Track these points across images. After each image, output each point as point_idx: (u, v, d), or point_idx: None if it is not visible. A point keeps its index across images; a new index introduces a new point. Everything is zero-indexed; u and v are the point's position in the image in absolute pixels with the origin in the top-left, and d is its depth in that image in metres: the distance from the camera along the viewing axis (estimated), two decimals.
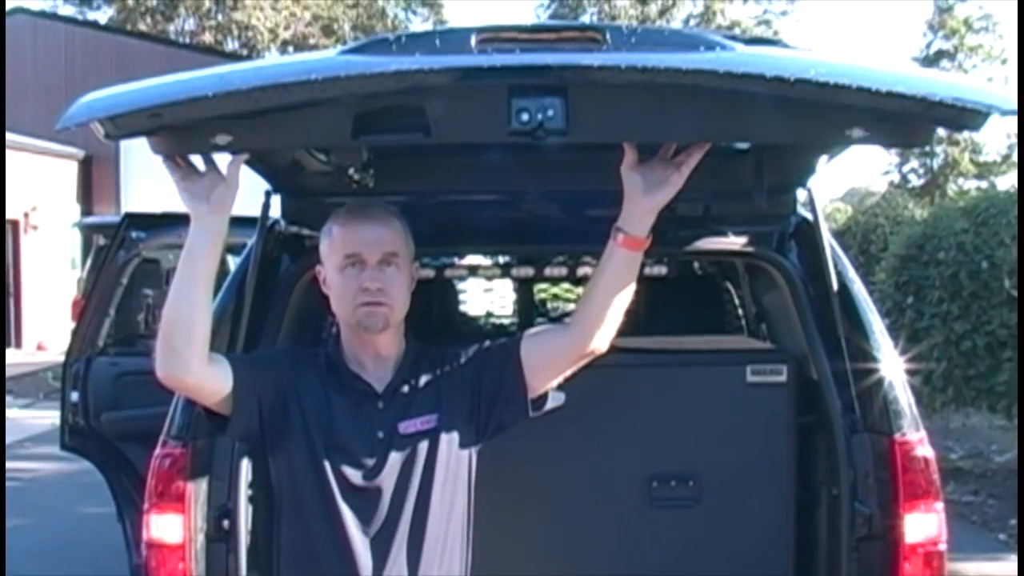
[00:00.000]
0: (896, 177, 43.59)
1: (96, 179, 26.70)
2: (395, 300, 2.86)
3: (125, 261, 5.92)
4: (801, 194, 3.76)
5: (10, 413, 14.12)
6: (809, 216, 3.68)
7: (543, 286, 5.95)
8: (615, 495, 3.60)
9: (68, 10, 39.56)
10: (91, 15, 40.24)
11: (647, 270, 4.23)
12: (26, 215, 23.86)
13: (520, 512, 3.55)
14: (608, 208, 3.80)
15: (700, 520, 3.59)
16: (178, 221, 6.29)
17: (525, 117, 2.47)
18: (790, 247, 3.73)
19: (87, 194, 26.62)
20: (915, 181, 43.00)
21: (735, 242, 3.71)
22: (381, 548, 2.82)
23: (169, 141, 2.62)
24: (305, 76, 2.39)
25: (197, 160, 2.71)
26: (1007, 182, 35.66)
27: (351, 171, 3.51)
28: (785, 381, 3.58)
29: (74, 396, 5.77)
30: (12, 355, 21.34)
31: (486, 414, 2.94)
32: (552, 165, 3.62)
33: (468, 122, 2.60)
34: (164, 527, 3.34)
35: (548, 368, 2.95)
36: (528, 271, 4.43)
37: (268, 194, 3.59)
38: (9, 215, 23.23)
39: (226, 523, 3.30)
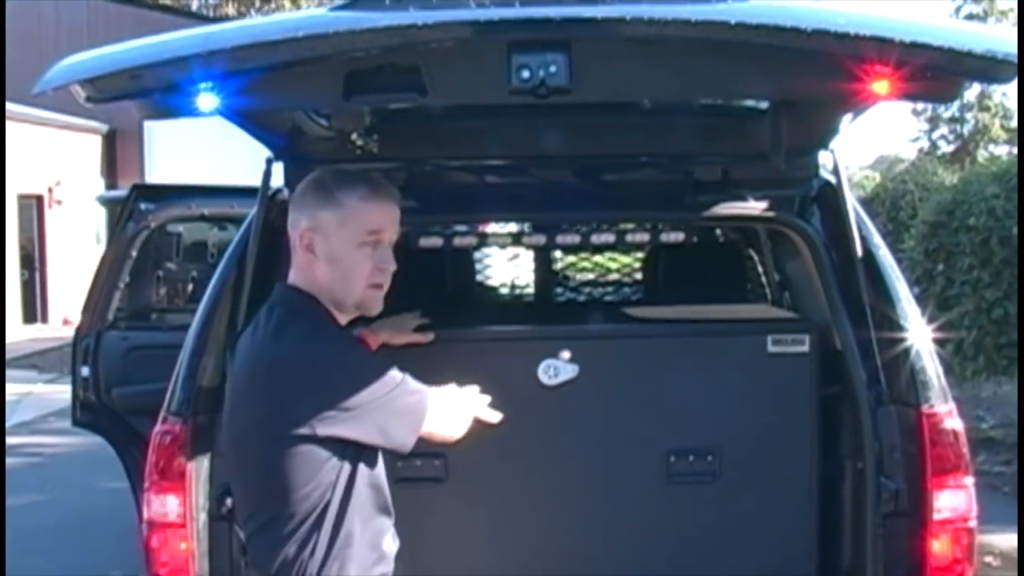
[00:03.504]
0: (926, 144, 43.23)
1: (120, 153, 26.69)
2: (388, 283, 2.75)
3: (134, 233, 5.80)
4: (824, 157, 3.61)
5: (35, 388, 14.16)
6: (832, 179, 3.53)
7: (558, 255, 5.76)
8: (631, 470, 3.48)
9: None
10: None
11: (664, 236, 4.06)
12: (50, 190, 23.87)
13: (532, 487, 3.44)
14: (623, 173, 3.72)
15: (719, 496, 3.47)
16: (188, 192, 6.30)
17: (526, 74, 2.33)
18: (812, 212, 3.59)
19: (111, 168, 26.62)
20: (945, 148, 42.61)
21: (754, 207, 3.59)
22: None
23: (152, 104, 2.50)
24: (292, 33, 2.25)
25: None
26: None
27: (354, 136, 3.39)
28: (808, 351, 3.44)
29: (84, 371, 5.68)
30: (38, 330, 21.47)
31: None
32: (563, 128, 3.50)
33: (466, 80, 2.47)
34: (165, 505, 3.29)
35: None
36: (540, 239, 4.27)
37: (269, 162, 3.48)
38: (33, 190, 23.32)
39: (229, 501, 3.20)
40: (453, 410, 2.74)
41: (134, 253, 5.82)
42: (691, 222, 3.84)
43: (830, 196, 3.54)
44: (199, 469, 3.28)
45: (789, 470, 3.47)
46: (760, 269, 4.91)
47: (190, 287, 6.37)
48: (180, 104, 2.50)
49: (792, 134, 3.35)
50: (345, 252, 2.63)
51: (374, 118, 3.39)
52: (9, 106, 20.29)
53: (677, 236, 3.89)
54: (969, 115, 42.54)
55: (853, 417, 3.36)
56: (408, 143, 3.56)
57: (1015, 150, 36.13)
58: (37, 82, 2.32)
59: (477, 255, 5.26)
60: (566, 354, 3.40)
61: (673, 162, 3.68)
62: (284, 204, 3.57)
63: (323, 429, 2.51)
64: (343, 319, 2.72)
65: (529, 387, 3.38)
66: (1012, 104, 36.69)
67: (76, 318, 6.05)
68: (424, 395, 2.64)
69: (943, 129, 43.50)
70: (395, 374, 2.60)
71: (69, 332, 6.41)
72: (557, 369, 3.41)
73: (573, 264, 6.02)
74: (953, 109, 42.23)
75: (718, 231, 5.24)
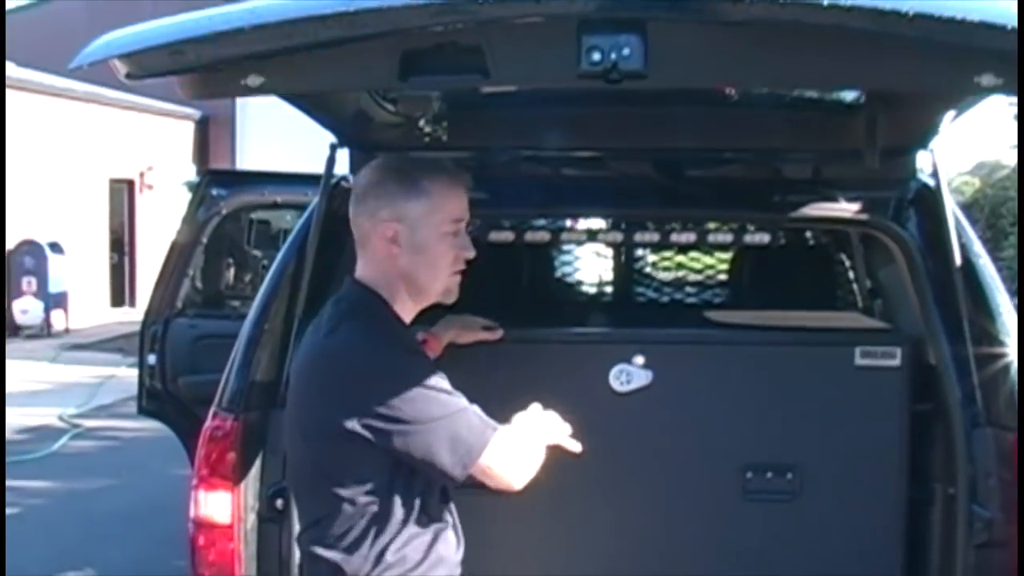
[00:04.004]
0: None
1: (213, 139, 26.89)
2: None
3: (205, 219, 5.71)
4: (923, 158, 3.38)
5: (118, 371, 14.22)
6: (931, 182, 3.30)
7: (639, 253, 5.53)
8: (705, 485, 3.29)
9: None
10: None
11: (748, 238, 3.82)
12: (141, 175, 24.16)
13: (599, 499, 3.26)
14: (709, 168, 3.51)
15: (799, 516, 3.26)
16: (261, 179, 6.19)
17: (597, 56, 2.13)
18: (908, 216, 3.38)
19: (203, 154, 26.82)
20: None
21: (846, 208, 3.39)
22: None
23: (196, 82, 2.35)
24: (345, 7, 2.08)
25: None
26: None
27: (422, 123, 3.22)
28: (899, 365, 3.23)
29: (151, 359, 5.60)
30: (125, 313, 21.69)
31: None
32: (645, 119, 3.31)
33: (531, 62, 2.27)
34: (213, 504, 3.15)
35: None
36: (618, 236, 4.05)
37: (333, 148, 3.33)
38: (125, 175, 23.64)
39: (279, 502, 3.10)
40: (518, 456, 2.56)
41: (204, 240, 5.72)
42: (778, 223, 3.61)
43: (928, 200, 3.31)
44: (250, 468, 3.14)
45: (874, 492, 3.25)
46: (851, 275, 4.66)
47: (261, 274, 6.28)
48: (225, 83, 2.34)
49: (889, 131, 3.15)
50: (432, 241, 2.55)
51: (443, 104, 3.22)
52: (101, 91, 20.63)
53: (763, 237, 3.65)
54: None
55: (946, 438, 3.14)
56: (478, 131, 3.41)
57: None
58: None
59: (553, 251, 5.05)
60: (640, 359, 3.23)
61: (761, 158, 3.48)
62: (348, 192, 3.42)
63: (370, 433, 2.39)
64: (410, 315, 2.62)
65: (600, 393, 3.21)
66: None
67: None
68: (488, 431, 2.47)
69: None
70: (458, 401, 2.46)
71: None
72: (630, 375, 3.24)
73: (654, 263, 5.77)
74: None
75: (807, 233, 4.98)
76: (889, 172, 3.30)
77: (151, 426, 9.74)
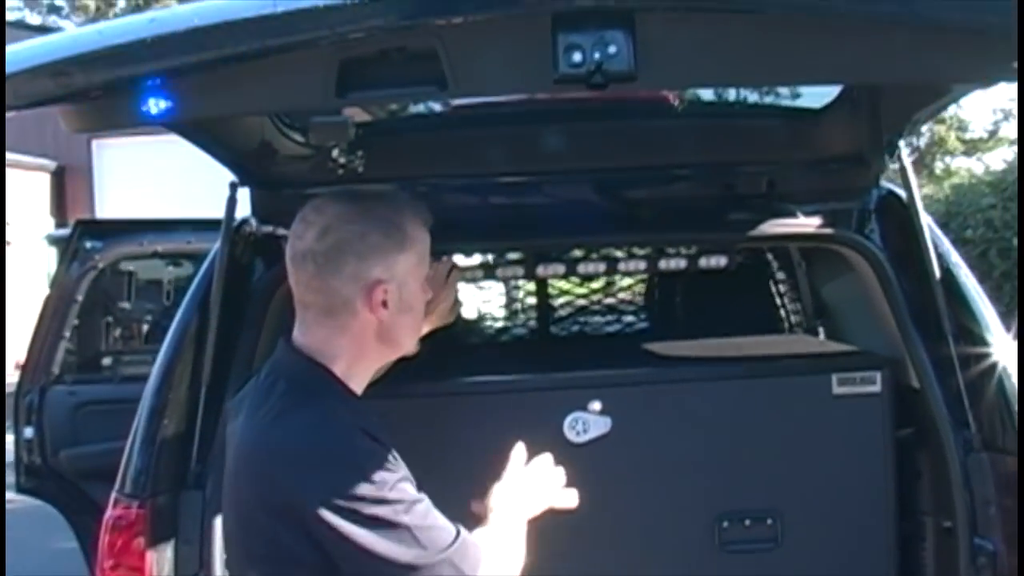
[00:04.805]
0: None
1: (70, 190, 25.99)
2: None
3: (80, 275, 5.21)
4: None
5: None
6: (898, 190, 3.08)
7: (556, 283, 5.10)
8: (678, 540, 2.99)
9: (36, 19, 38.74)
10: (61, 23, 39.45)
11: (703, 261, 3.47)
12: None
13: (563, 563, 2.87)
14: (655, 187, 3.19)
15: (782, 565, 2.97)
16: (138, 227, 5.72)
17: (577, 57, 1.78)
18: (872, 226, 3.12)
19: (60, 206, 25.93)
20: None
21: (805, 224, 3.07)
22: None
23: (86, 113, 1.93)
24: (269, 9, 1.69)
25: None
26: (995, 159, 35.04)
27: (335, 153, 2.84)
28: (880, 391, 2.98)
29: (28, 432, 5.08)
30: None
31: None
32: (582, 135, 3.04)
33: (498, 68, 1.90)
34: None
35: None
36: (556, 268, 3.66)
37: (234, 187, 2.93)
38: None
39: None
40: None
41: (80, 297, 5.21)
42: (732, 243, 3.30)
43: (895, 207, 3.07)
44: (161, 561, 2.76)
45: (863, 532, 2.99)
46: (789, 294, 4.36)
47: (145, 329, 5.80)
48: (121, 111, 1.92)
49: (851, 136, 2.95)
50: (419, 296, 2.19)
51: (359, 131, 2.84)
52: None
53: (718, 260, 3.33)
54: (924, 128, 42.47)
55: (935, 467, 2.93)
56: (399, 159, 3.04)
57: (969, 162, 36.14)
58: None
59: (477, 286, 4.66)
60: (597, 405, 2.93)
61: (710, 174, 3.18)
62: (252, 237, 3.04)
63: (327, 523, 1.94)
64: (366, 379, 2.19)
65: (554, 445, 2.80)
66: (966, 115, 36.45)
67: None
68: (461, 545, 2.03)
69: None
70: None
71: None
72: (587, 423, 2.93)
73: (567, 291, 5.33)
74: None
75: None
76: (850, 180, 3.07)
77: (22, 499, 9.16)
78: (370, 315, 2.08)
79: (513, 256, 3.63)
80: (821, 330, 3.99)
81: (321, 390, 2.07)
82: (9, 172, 23.47)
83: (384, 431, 2.08)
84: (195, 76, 1.83)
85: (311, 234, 2.07)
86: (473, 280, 3.63)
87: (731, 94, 3.23)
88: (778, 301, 4.42)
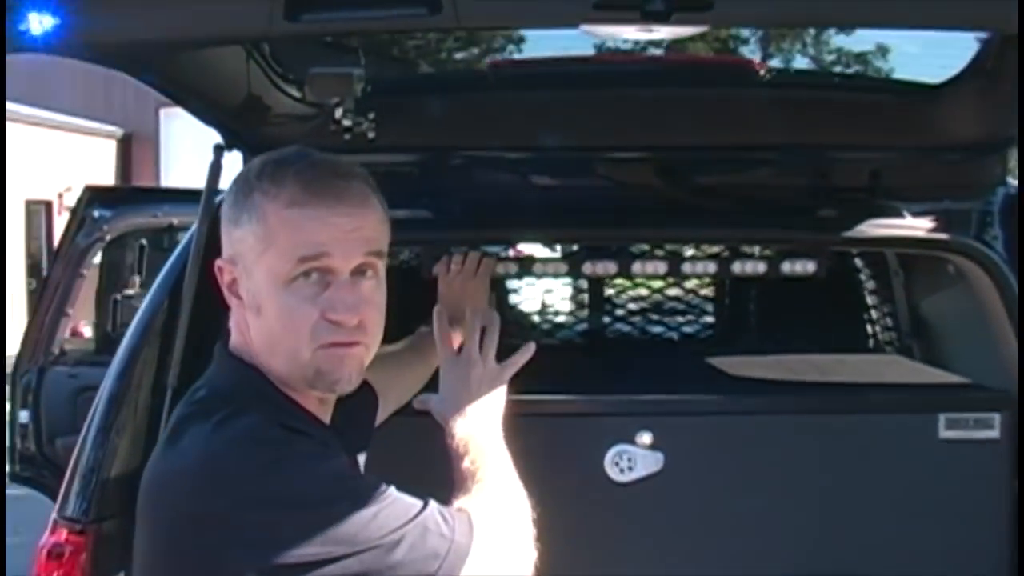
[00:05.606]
0: None
1: (136, 157, 26.27)
2: (374, 334, 1.72)
3: (86, 247, 4.77)
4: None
5: None
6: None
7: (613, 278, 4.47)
8: None
9: None
10: None
11: (787, 266, 2.90)
12: (60, 196, 23.35)
13: None
14: (730, 174, 2.68)
15: None
16: (155, 196, 5.29)
17: None
18: (995, 232, 2.62)
19: (126, 173, 26.16)
20: None
21: (914, 226, 2.54)
22: None
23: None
24: None
25: None
26: None
27: (338, 114, 2.33)
28: (998, 437, 2.50)
29: (23, 416, 4.64)
30: None
31: None
32: (639, 105, 2.59)
33: None
34: None
35: None
36: (606, 266, 3.08)
37: (219, 150, 2.44)
38: (43, 195, 22.80)
39: None
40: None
41: (85, 272, 4.77)
42: (823, 247, 2.73)
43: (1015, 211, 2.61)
44: None
45: None
46: (884, 307, 3.76)
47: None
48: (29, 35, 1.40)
49: (978, 118, 2.51)
50: (269, 293, 1.65)
51: (368, 87, 2.32)
52: (19, 108, 19.81)
53: (807, 266, 2.76)
54: None
55: None
56: (418, 124, 2.53)
57: None
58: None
59: (514, 283, 4.07)
60: (646, 438, 2.47)
61: (800, 159, 2.70)
62: None
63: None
64: (315, 401, 1.72)
65: (593, 484, 2.48)
66: None
67: (85, 330, 5.03)
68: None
69: None
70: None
71: (77, 344, 5.31)
72: (633, 459, 2.48)
73: (617, 295, 4.67)
74: None
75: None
76: (973, 175, 2.62)
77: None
78: (232, 304, 1.71)
79: (555, 249, 3.14)
80: (917, 353, 3.42)
81: (257, 397, 1.70)
82: (75, 138, 23.66)
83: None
84: None
85: None
86: (506, 275, 3.08)
87: (829, 61, 2.72)
88: (868, 315, 3.83)
